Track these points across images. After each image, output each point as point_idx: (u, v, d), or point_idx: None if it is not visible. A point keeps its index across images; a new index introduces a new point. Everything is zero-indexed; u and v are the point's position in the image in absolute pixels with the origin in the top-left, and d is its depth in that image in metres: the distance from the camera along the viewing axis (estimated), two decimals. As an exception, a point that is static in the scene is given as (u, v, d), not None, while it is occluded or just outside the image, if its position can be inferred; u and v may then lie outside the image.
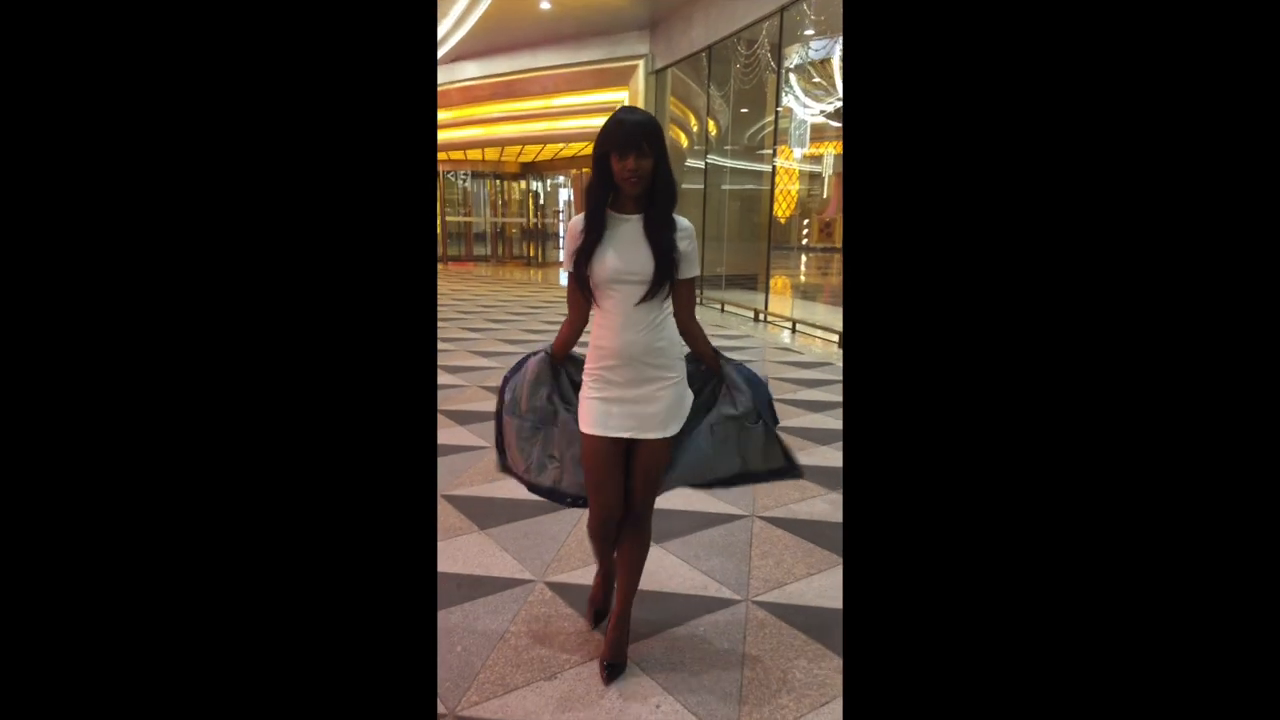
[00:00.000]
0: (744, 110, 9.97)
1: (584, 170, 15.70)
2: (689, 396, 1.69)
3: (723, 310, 8.82)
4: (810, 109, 9.82)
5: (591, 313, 1.66)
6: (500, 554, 2.33)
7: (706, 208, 9.63)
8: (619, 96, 11.11)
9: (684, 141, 10.91)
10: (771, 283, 8.60)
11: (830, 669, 1.76)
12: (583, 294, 1.61)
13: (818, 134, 10.45)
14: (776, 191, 9.09)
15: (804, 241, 12.19)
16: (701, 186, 9.75)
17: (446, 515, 2.62)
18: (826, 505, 2.78)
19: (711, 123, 10.04)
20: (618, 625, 1.76)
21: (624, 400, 1.61)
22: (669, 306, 1.62)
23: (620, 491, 1.67)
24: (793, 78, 8.75)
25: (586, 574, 2.19)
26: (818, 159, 11.56)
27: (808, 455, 3.34)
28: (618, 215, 1.58)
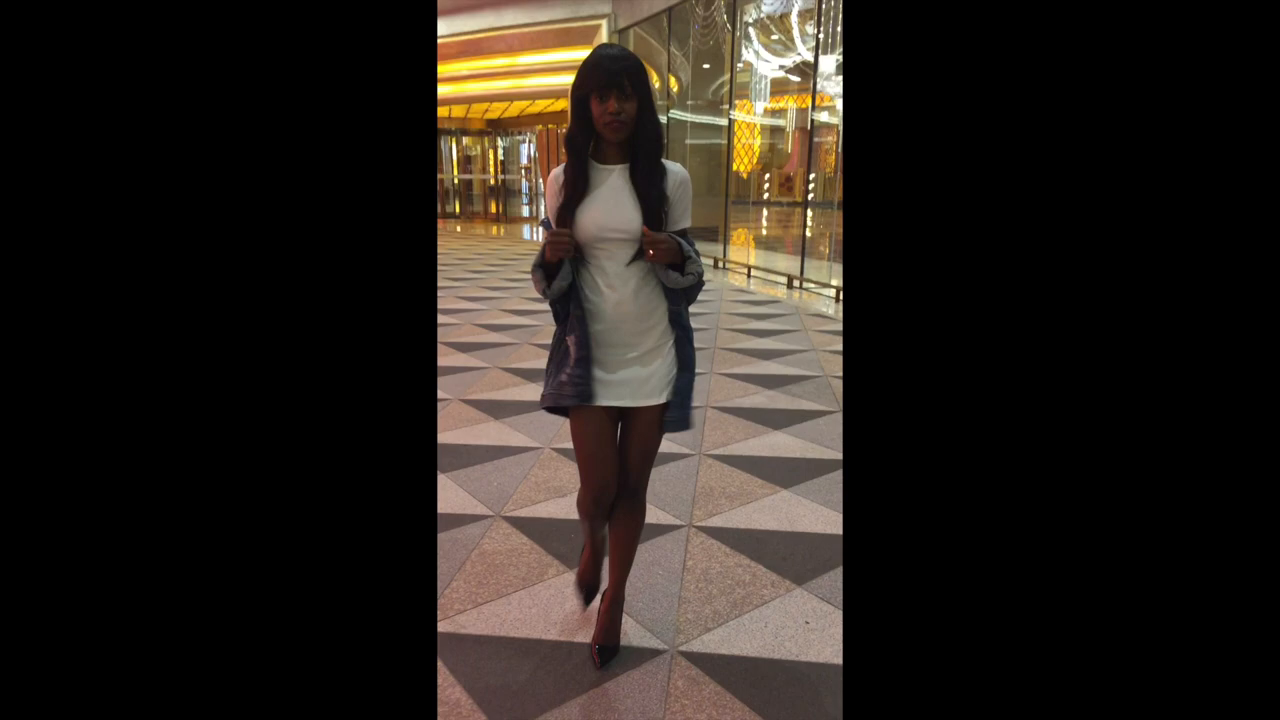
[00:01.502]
0: (705, 66, 10.46)
1: (549, 126, 16.03)
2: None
3: (686, 258, 9.43)
4: (770, 63, 10.32)
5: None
6: (514, 433, 3.05)
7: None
8: (582, 55, 11.45)
9: (647, 98, 11.33)
10: (732, 235, 9.22)
11: (749, 575, 2.01)
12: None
13: (779, 88, 10.95)
14: (737, 146, 9.63)
15: (765, 196, 12.70)
16: (664, 142, 10.24)
17: (469, 412, 3.32)
18: (764, 444, 2.99)
19: (673, 79, 10.53)
20: (611, 609, 1.65)
21: (616, 365, 1.46)
22: None
23: (614, 466, 1.52)
24: (752, 32, 9.22)
25: (582, 442, 2.90)
26: (780, 113, 12.02)
27: (756, 399, 3.61)
28: (601, 165, 1.42)
